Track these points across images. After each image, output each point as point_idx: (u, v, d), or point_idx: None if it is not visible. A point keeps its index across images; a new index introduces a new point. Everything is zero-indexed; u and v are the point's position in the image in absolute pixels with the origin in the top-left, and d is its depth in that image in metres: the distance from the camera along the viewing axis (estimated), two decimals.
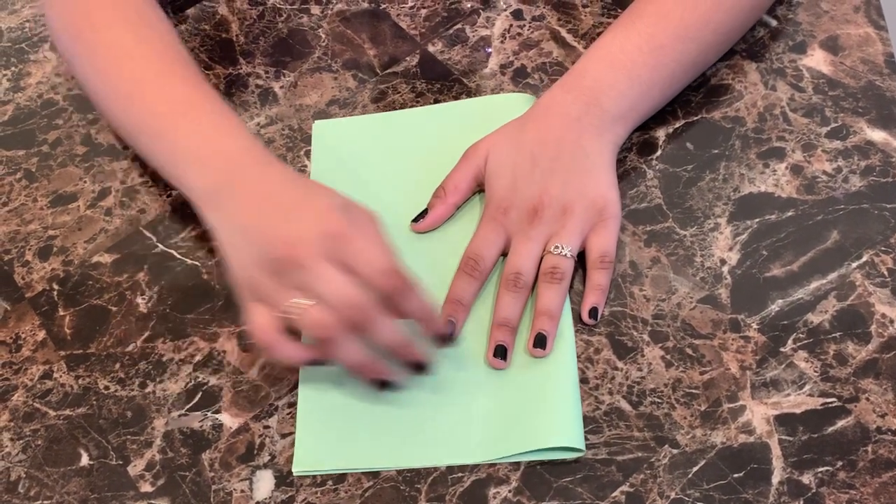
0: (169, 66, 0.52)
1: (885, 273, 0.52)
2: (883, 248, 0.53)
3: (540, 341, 0.49)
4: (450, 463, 0.46)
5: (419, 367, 0.47)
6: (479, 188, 0.55)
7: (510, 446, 0.46)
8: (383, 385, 0.47)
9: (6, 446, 0.48)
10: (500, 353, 0.49)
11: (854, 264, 0.53)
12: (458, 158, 0.56)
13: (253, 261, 0.45)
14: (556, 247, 0.51)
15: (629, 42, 0.55)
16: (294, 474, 0.46)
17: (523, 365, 0.49)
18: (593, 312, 0.50)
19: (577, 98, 0.54)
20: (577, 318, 0.51)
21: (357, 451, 0.47)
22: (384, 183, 0.56)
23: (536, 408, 0.47)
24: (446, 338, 0.48)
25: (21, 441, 0.48)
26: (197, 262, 0.54)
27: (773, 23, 0.65)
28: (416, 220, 0.54)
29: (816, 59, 0.62)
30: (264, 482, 0.46)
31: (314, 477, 0.46)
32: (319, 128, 0.60)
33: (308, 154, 0.59)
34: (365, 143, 0.59)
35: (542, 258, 0.51)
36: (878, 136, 0.58)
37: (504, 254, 0.53)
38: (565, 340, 0.50)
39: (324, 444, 0.47)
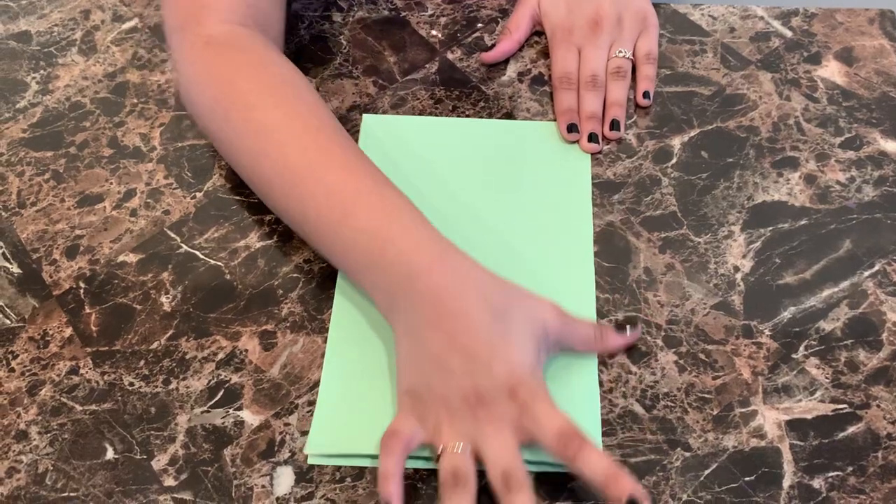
0: (326, 151, 0.49)
1: None
2: (895, 258, 0.54)
3: (616, 125, 0.59)
4: None
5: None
6: (537, 27, 0.66)
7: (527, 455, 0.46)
8: None
9: (34, 439, 0.49)
10: (594, 139, 0.59)
11: (866, 273, 0.53)
12: (494, 176, 0.58)
13: (430, 389, 0.44)
14: (620, 51, 0.62)
15: None
16: (308, 461, 0.47)
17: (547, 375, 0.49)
18: (646, 94, 0.61)
19: None
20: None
21: (372, 439, 0.47)
22: (422, 186, 0.57)
23: None
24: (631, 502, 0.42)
25: (48, 434, 0.49)
26: (220, 263, 0.55)
27: (789, 34, 0.65)
28: (486, 51, 0.64)
29: (831, 70, 0.63)
30: (284, 478, 0.47)
31: (333, 473, 0.47)
32: (368, 122, 0.61)
33: None
34: (411, 142, 0.60)
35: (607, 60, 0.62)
36: (891, 146, 0.59)
37: None
38: (588, 365, 0.50)
39: (339, 430, 0.48)
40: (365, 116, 0.62)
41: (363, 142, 0.60)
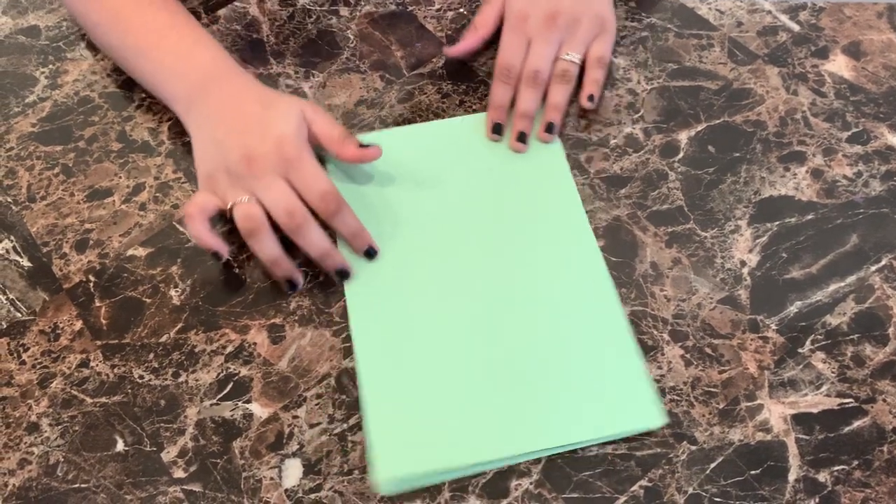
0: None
1: None
2: None
3: (551, 128, 0.59)
4: (531, 449, 0.47)
5: (342, 274, 0.54)
6: (501, 24, 0.64)
7: (585, 431, 0.47)
8: (291, 286, 0.54)
9: (45, 431, 0.50)
10: (523, 139, 0.59)
11: (873, 268, 0.53)
12: (476, 184, 0.58)
13: (216, 165, 0.53)
14: (568, 54, 0.60)
15: None
16: (381, 490, 0.46)
17: (580, 343, 0.50)
18: (591, 98, 0.60)
19: None
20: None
21: (437, 451, 0.47)
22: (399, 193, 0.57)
23: (606, 388, 0.48)
24: (371, 253, 0.54)
25: (59, 427, 0.50)
26: (228, 257, 0.56)
27: (796, 28, 0.65)
28: (449, 48, 0.63)
29: (838, 65, 0.63)
30: (293, 470, 0.48)
31: (341, 466, 0.48)
32: None
33: None
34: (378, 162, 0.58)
35: (554, 62, 0.61)
36: None
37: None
38: (614, 312, 0.52)
39: (402, 449, 0.47)
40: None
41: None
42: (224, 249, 0.53)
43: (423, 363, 0.50)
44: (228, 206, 0.52)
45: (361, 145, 0.55)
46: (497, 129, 0.60)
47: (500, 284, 0.53)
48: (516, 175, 0.58)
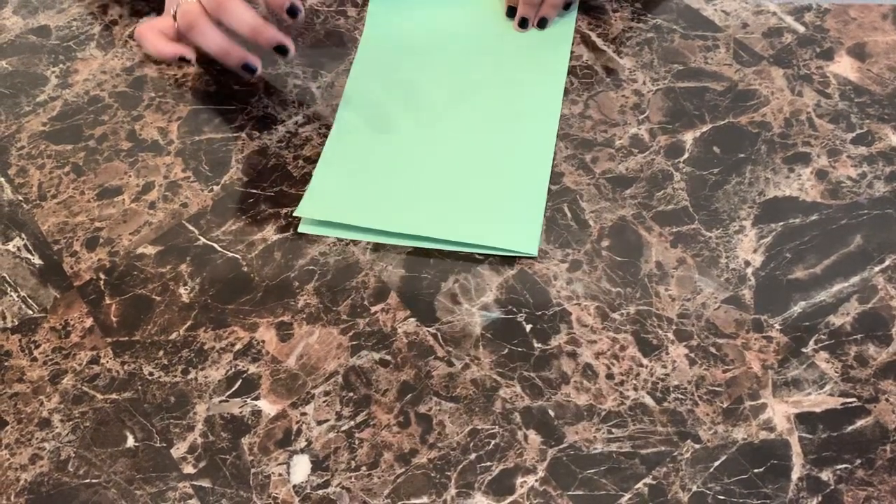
0: None
1: None
2: None
3: (543, 23, 0.65)
4: (428, 235, 0.55)
5: (281, 50, 0.58)
6: None
7: (471, 235, 0.55)
8: (248, 70, 0.58)
9: (56, 427, 0.50)
10: (523, 24, 0.65)
11: (877, 268, 0.54)
12: (481, 51, 0.66)
13: None
14: None
15: None
16: (299, 228, 0.56)
17: (504, 162, 0.59)
18: (543, 22, 0.66)
19: None
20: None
21: (358, 209, 0.56)
22: (427, 63, 0.65)
23: (504, 205, 0.57)
24: (283, 50, 0.58)
25: (70, 422, 0.50)
26: (237, 255, 0.56)
27: (801, 29, 0.66)
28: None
29: (843, 66, 0.63)
30: (301, 466, 0.48)
31: (349, 462, 0.48)
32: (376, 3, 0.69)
33: None
34: (420, 16, 0.68)
35: None
36: None
37: None
38: (545, 152, 0.60)
39: (331, 199, 0.57)
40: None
41: (371, 15, 0.68)
42: (188, 51, 0.57)
43: (384, 141, 0.60)
44: (172, 14, 0.56)
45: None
46: (511, 13, 0.66)
47: (464, 110, 0.62)
48: (518, 40, 0.67)
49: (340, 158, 0.59)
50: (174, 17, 0.56)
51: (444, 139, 0.60)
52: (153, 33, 0.56)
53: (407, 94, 0.62)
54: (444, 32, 0.66)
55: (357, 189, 0.57)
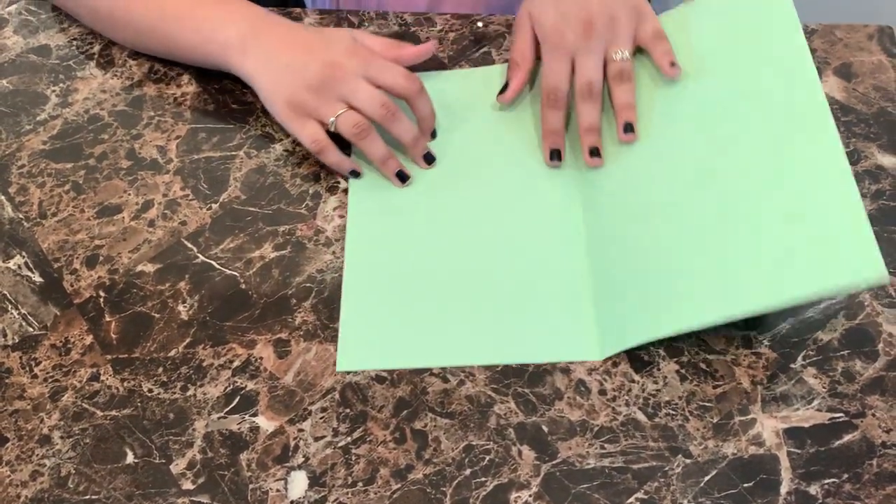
0: None
1: (893, 294, 0.54)
2: (891, 270, 0.55)
3: (629, 127, 0.58)
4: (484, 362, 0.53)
5: (429, 161, 0.61)
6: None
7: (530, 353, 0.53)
8: (403, 177, 0.60)
9: (56, 444, 0.51)
10: (595, 152, 0.59)
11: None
12: (494, 117, 0.64)
13: (298, 86, 0.58)
14: (617, 52, 0.58)
15: None
16: (337, 368, 0.53)
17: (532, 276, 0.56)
18: (673, 63, 0.58)
19: None
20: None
21: (402, 350, 0.53)
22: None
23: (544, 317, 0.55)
24: (429, 158, 0.61)
25: (70, 439, 0.51)
26: (235, 273, 0.57)
27: None
28: (501, 92, 0.62)
29: (830, 86, 0.64)
30: (298, 482, 0.49)
31: (345, 478, 0.49)
32: None
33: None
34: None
35: (605, 67, 0.59)
36: (888, 161, 0.61)
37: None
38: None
39: (367, 343, 0.54)
40: None
41: None
42: (357, 166, 0.60)
43: (407, 271, 0.57)
44: (330, 122, 0.57)
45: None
46: (555, 155, 0.60)
47: (491, 222, 0.59)
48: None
49: (366, 294, 0.55)
50: (333, 127, 0.58)
51: (471, 254, 0.57)
52: (332, 147, 0.59)
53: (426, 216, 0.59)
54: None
55: (395, 327, 0.54)
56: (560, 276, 0.55)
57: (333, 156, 0.59)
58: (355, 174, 0.60)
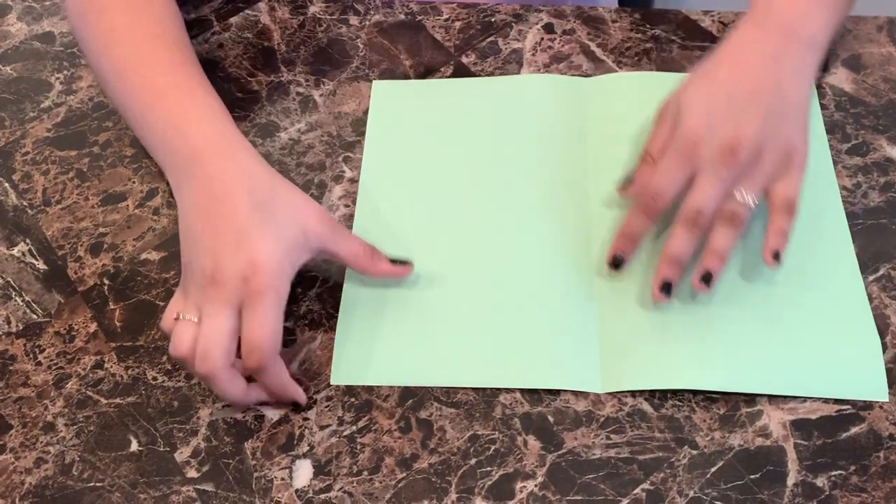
0: (154, 52, 0.55)
1: None
2: None
3: (707, 278, 0.50)
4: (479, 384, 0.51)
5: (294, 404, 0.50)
6: None
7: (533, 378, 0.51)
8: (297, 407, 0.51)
9: (61, 431, 0.51)
10: (666, 288, 0.50)
11: (871, 277, 0.55)
12: (516, 130, 0.60)
13: (190, 262, 0.48)
14: (741, 195, 0.49)
15: None
16: (331, 380, 0.51)
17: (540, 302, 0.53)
18: (776, 255, 0.50)
19: (773, 34, 0.52)
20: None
21: (394, 371, 0.52)
22: (439, 150, 0.61)
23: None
24: (297, 406, 0.51)
25: (75, 426, 0.51)
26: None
27: None
28: (623, 186, 0.54)
29: (839, 77, 0.64)
30: (303, 471, 0.49)
31: (350, 467, 0.49)
32: (378, 88, 0.64)
33: (346, 160, 0.62)
34: (424, 107, 0.63)
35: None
36: None
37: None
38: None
39: (359, 363, 0.52)
40: (375, 83, 0.64)
41: (373, 110, 0.63)
42: (299, 395, 0.50)
43: (403, 291, 0.54)
44: (175, 315, 0.47)
45: (392, 261, 0.52)
46: (617, 263, 0.52)
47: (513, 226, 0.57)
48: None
49: (364, 307, 0.54)
50: (174, 319, 0.48)
51: (475, 272, 0.55)
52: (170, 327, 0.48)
53: (417, 231, 0.57)
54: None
55: (393, 344, 0.52)
56: (568, 303, 0.53)
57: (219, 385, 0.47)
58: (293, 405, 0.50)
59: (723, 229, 0.50)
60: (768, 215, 0.51)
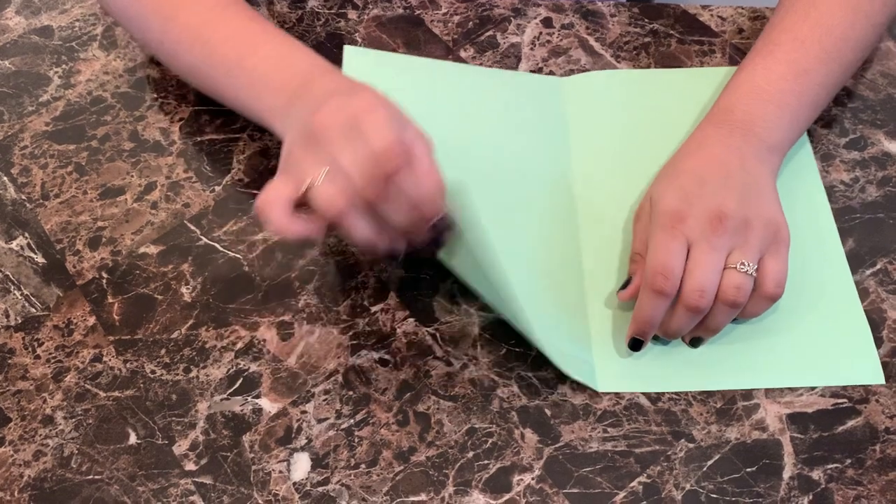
0: (225, 10, 0.56)
1: None
2: None
3: (694, 342, 0.51)
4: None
5: (437, 243, 0.48)
6: None
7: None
8: (394, 259, 0.50)
9: (60, 424, 0.51)
10: (636, 345, 0.50)
11: (868, 271, 0.55)
12: (492, 122, 0.59)
13: (293, 139, 0.47)
14: (742, 263, 0.47)
15: (772, 72, 0.54)
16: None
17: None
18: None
19: (732, 131, 0.53)
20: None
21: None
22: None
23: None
24: (446, 227, 0.47)
25: (73, 419, 0.51)
26: (238, 255, 0.57)
27: None
28: (622, 289, 0.52)
29: None
30: (301, 464, 0.49)
31: (348, 460, 0.49)
32: (350, 54, 0.61)
33: None
34: (398, 81, 0.57)
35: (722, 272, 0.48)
36: (894, 147, 0.60)
37: None
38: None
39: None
40: (346, 48, 0.61)
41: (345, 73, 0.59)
42: (318, 231, 0.45)
43: None
44: (305, 186, 0.45)
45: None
46: (636, 346, 0.50)
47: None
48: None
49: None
50: (305, 194, 0.45)
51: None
52: (281, 207, 0.45)
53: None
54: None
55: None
56: (559, 303, 0.53)
57: (284, 223, 0.45)
58: (311, 243, 0.50)
59: (723, 308, 0.48)
60: (755, 290, 0.49)
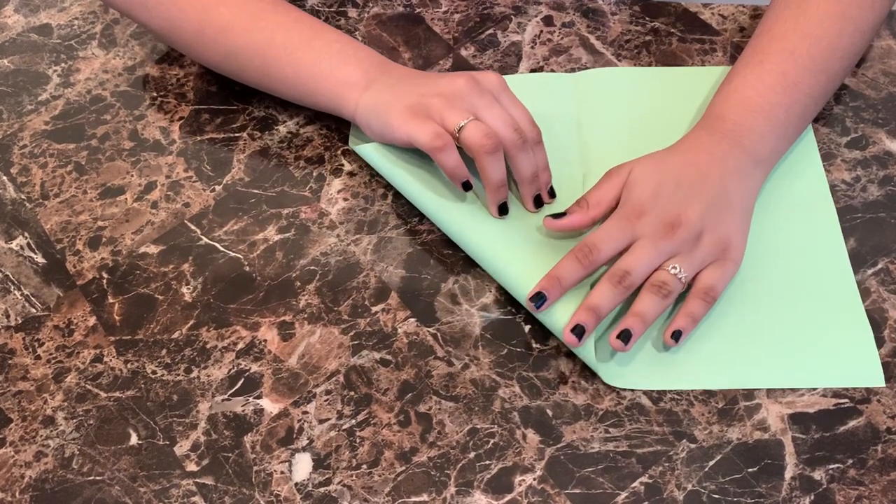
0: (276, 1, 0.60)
1: None
2: None
3: (625, 336, 0.49)
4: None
5: (539, 203, 0.56)
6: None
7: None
8: (503, 211, 0.55)
9: (61, 425, 0.51)
10: (579, 331, 0.49)
11: (869, 271, 0.55)
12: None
13: (426, 92, 0.54)
14: (674, 268, 0.50)
15: (762, 83, 0.55)
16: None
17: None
18: (676, 335, 0.51)
19: (720, 140, 0.55)
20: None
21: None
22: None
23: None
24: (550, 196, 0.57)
25: (74, 420, 0.51)
26: (239, 255, 0.57)
27: None
28: (554, 216, 0.54)
29: None
30: (303, 464, 0.49)
31: (350, 461, 0.49)
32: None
33: (345, 153, 0.61)
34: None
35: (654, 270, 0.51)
36: None
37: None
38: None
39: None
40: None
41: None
42: (471, 177, 0.54)
43: None
44: (456, 127, 0.52)
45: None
46: (539, 299, 0.50)
47: None
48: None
49: None
50: (456, 133, 0.53)
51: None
52: (452, 144, 0.53)
53: None
54: None
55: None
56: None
57: (452, 158, 0.53)
58: (467, 186, 0.54)
59: (649, 295, 0.50)
60: (686, 297, 0.51)
